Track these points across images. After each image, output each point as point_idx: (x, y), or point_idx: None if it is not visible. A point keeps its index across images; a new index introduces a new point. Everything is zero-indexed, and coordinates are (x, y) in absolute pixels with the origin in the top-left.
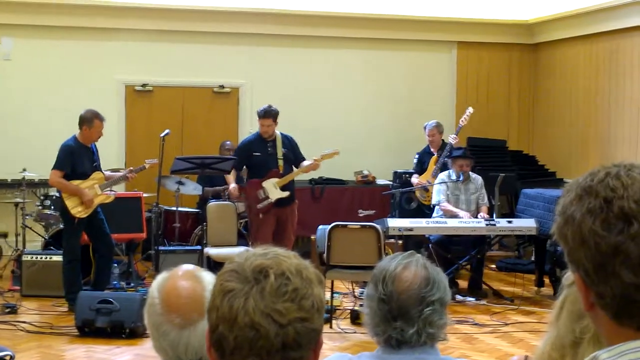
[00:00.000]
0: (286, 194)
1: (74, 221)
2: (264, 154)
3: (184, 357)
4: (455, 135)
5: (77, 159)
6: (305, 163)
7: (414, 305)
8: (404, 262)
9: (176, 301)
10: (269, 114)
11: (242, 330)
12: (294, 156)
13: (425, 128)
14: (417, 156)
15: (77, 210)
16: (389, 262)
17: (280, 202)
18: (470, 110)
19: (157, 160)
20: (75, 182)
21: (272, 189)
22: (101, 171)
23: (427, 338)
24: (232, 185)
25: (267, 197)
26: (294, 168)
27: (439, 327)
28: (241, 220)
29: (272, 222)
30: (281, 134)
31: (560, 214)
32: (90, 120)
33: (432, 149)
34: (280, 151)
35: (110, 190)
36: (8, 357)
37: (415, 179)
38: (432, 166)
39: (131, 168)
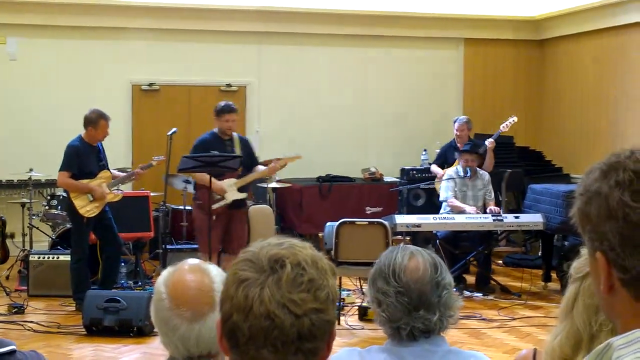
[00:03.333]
0: (243, 195)
1: (82, 220)
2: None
3: (194, 350)
4: (492, 140)
5: (83, 159)
6: (260, 168)
7: (432, 291)
8: (407, 252)
9: (185, 294)
10: (234, 109)
11: (257, 319)
12: (249, 159)
13: (454, 122)
14: (437, 151)
15: (86, 210)
16: (391, 255)
17: (233, 204)
18: (514, 119)
19: (164, 157)
20: (84, 182)
21: (230, 189)
22: (108, 170)
23: (447, 322)
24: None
25: (222, 198)
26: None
27: (457, 308)
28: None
29: (223, 224)
30: (238, 135)
31: (581, 194)
32: (95, 121)
33: (458, 144)
34: (239, 152)
35: (118, 189)
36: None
37: (434, 167)
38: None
39: (141, 165)
